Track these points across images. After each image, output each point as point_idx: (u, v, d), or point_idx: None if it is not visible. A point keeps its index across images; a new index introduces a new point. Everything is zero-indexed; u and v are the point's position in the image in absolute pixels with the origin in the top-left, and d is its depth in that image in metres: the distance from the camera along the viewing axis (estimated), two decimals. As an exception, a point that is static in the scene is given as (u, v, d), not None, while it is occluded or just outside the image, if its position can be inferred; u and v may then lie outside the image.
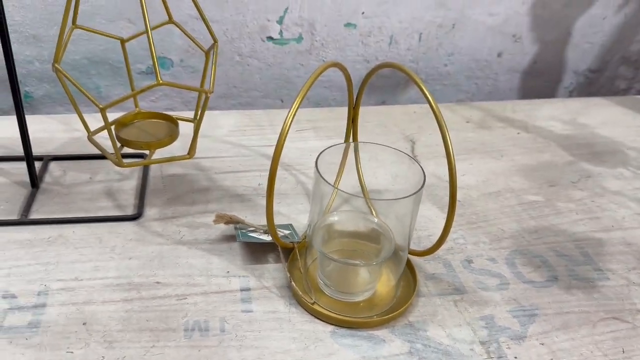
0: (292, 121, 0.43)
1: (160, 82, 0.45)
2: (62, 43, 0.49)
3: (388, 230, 0.47)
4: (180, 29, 0.56)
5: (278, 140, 0.43)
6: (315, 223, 0.47)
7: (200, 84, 0.57)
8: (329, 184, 0.44)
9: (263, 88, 0.88)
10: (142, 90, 0.47)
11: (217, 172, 0.64)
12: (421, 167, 0.46)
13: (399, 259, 0.47)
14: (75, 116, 0.73)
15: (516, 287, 0.51)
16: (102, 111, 0.48)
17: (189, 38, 0.56)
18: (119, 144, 0.54)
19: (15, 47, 0.75)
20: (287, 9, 0.81)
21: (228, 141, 0.71)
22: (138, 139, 0.55)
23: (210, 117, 0.74)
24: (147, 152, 0.60)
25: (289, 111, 0.43)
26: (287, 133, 0.43)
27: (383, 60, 0.89)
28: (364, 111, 0.85)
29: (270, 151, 0.69)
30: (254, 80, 0.87)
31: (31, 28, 0.75)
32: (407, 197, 0.43)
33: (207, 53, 0.56)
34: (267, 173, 0.65)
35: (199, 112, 0.54)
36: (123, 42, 0.58)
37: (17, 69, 0.78)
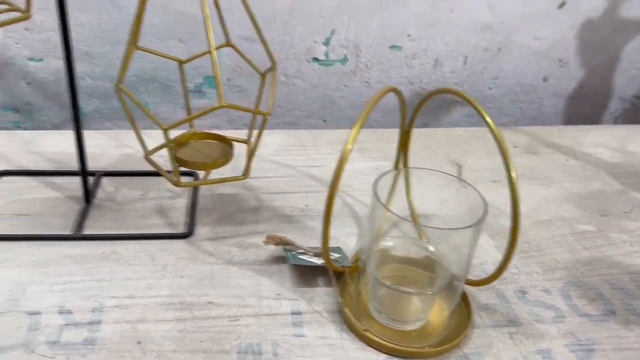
0: (352, 147, 0.43)
1: (224, 104, 0.46)
2: (126, 64, 0.50)
3: (444, 259, 0.46)
4: (237, 51, 0.56)
5: (338, 166, 0.43)
6: (369, 247, 0.47)
7: (255, 105, 0.58)
8: (390, 211, 0.44)
9: (307, 108, 0.88)
10: (206, 112, 0.47)
11: (264, 192, 0.65)
12: (482, 197, 0.45)
13: (454, 289, 0.46)
14: (125, 132, 0.75)
15: (572, 321, 0.50)
16: (165, 132, 0.48)
17: (245, 60, 0.57)
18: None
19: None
20: (333, 30, 0.82)
21: (274, 161, 0.72)
22: (193, 159, 0.55)
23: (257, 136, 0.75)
24: (198, 171, 0.61)
25: (349, 136, 0.43)
26: (347, 159, 0.43)
27: (427, 82, 0.89)
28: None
29: (316, 172, 0.70)
30: (298, 100, 0.87)
31: (85, 45, 0.77)
32: (468, 227, 0.42)
33: (263, 75, 0.57)
34: (314, 194, 0.65)
35: (255, 134, 0.54)
36: (181, 63, 0.59)
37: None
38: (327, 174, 0.69)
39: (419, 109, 0.54)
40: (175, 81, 0.82)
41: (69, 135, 0.73)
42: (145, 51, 0.56)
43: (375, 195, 0.44)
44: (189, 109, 0.61)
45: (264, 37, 0.53)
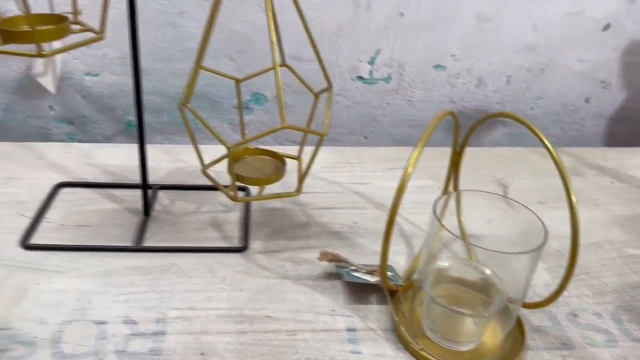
0: (413, 170, 0.44)
1: (286, 125, 0.48)
2: (194, 84, 0.52)
3: (500, 282, 0.47)
4: (292, 72, 0.58)
5: (399, 189, 0.44)
6: (425, 267, 0.48)
7: (307, 124, 0.59)
8: (451, 232, 0.45)
9: (349, 125, 0.90)
10: (269, 133, 0.49)
11: (313, 208, 0.66)
12: (542, 223, 0.46)
13: (510, 312, 0.47)
14: (177, 147, 0.77)
15: (625, 345, 0.50)
16: (230, 150, 0.50)
17: (300, 81, 0.59)
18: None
19: (123, 79, 0.81)
20: (378, 50, 0.83)
21: (321, 177, 0.73)
22: (248, 174, 0.57)
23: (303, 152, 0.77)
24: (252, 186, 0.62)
25: (410, 159, 0.45)
26: (408, 181, 0.44)
27: (469, 101, 0.90)
28: (448, 151, 0.86)
29: (362, 189, 0.71)
30: (342, 117, 0.89)
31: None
32: (530, 252, 0.43)
33: (316, 95, 0.59)
34: (361, 211, 0.67)
35: (305, 150, 0.56)
36: (238, 82, 0.61)
37: (122, 99, 0.83)
38: (373, 191, 0.71)
39: (473, 131, 0.55)
40: (223, 98, 0.84)
41: (123, 148, 0.76)
42: (208, 71, 0.58)
43: (436, 218, 0.45)
44: (243, 126, 0.63)
45: (322, 59, 0.54)
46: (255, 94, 0.85)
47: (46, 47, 0.50)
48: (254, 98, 0.85)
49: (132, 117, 0.85)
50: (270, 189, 0.58)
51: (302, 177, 0.56)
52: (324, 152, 0.80)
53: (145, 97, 0.83)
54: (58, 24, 0.53)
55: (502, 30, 0.84)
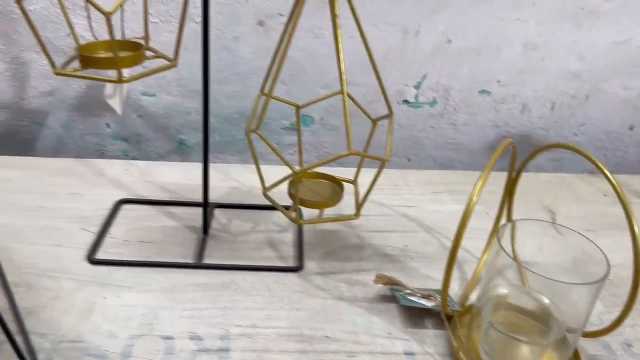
0: (477, 200, 0.46)
1: (352, 152, 0.49)
2: (263, 110, 0.54)
3: (559, 311, 0.48)
4: (352, 100, 0.60)
5: (462, 219, 0.46)
6: (484, 293, 0.49)
7: (364, 149, 0.61)
8: (518, 262, 0.46)
9: (393, 147, 0.91)
10: (337, 158, 0.51)
11: (364, 230, 0.68)
12: (603, 253, 0.47)
13: (567, 342, 0.48)
14: (230, 166, 0.80)
15: (681, 378, 0.50)
16: (296, 176, 0.52)
17: (360, 108, 0.61)
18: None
19: (178, 100, 0.84)
20: (425, 75, 0.85)
21: (370, 199, 0.74)
22: (307, 197, 0.59)
23: (347, 174, 0.78)
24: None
25: (474, 189, 0.46)
26: (472, 211, 0.45)
27: (514, 126, 0.91)
28: (495, 176, 0.87)
29: (411, 212, 0.73)
30: (385, 139, 0.90)
31: (195, 83, 0.83)
32: (591, 284, 0.44)
33: (374, 121, 0.61)
34: (411, 234, 0.68)
35: (359, 173, 0.58)
36: (298, 108, 0.63)
37: (176, 119, 0.86)
38: (422, 215, 0.72)
39: (530, 159, 0.57)
40: (272, 119, 0.87)
41: (177, 167, 0.79)
42: (272, 98, 0.60)
43: (499, 244, 0.46)
44: (301, 150, 0.65)
45: (384, 87, 0.56)
46: (303, 115, 0.87)
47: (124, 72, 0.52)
48: (301, 119, 0.87)
49: (185, 136, 0.88)
50: (326, 210, 0.60)
51: (361, 202, 0.58)
52: (370, 174, 0.81)
53: (198, 117, 0.86)
54: (133, 50, 0.56)
55: (548, 57, 0.85)
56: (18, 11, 0.77)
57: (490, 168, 0.48)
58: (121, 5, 0.46)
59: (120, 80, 0.49)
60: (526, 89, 0.87)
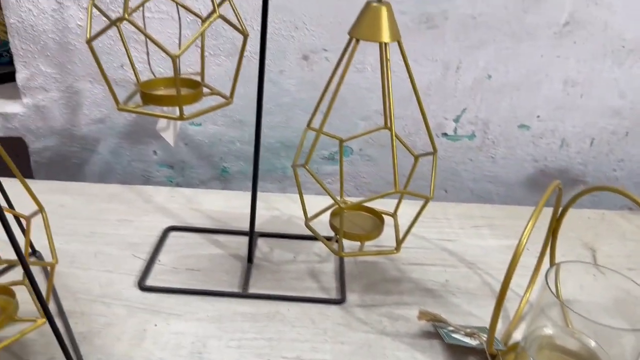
0: (525, 243, 0.46)
1: (398, 190, 0.51)
2: (313, 146, 0.56)
3: (605, 354, 0.48)
4: (397, 138, 0.62)
5: (511, 264, 0.46)
6: (530, 333, 0.49)
7: (405, 185, 0.62)
8: (566, 306, 0.46)
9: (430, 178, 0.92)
10: (383, 195, 0.52)
11: (404, 263, 0.69)
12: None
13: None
14: (271, 195, 0.81)
15: None
16: (341, 210, 0.54)
17: (402, 144, 0.62)
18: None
19: (222, 129, 0.86)
20: (465, 109, 0.86)
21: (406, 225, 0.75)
22: (348, 229, 0.60)
23: (387, 205, 0.79)
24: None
25: (524, 233, 0.47)
26: (520, 255, 0.46)
27: (552, 161, 0.91)
28: (531, 210, 0.86)
29: (451, 246, 0.73)
30: (423, 171, 0.91)
31: (239, 114, 0.85)
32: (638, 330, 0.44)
33: (416, 157, 0.62)
34: (452, 269, 0.69)
35: (398, 205, 0.59)
36: (342, 141, 0.65)
37: (220, 147, 0.89)
38: (462, 249, 0.73)
39: (573, 202, 0.57)
40: (312, 148, 0.89)
41: (221, 195, 0.81)
42: (314, 131, 0.62)
43: (548, 286, 0.47)
44: (342, 183, 0.66)
45: (429, 125, 0.58)
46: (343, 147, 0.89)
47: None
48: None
49: (227, 164, 0.90)
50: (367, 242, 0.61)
51: (402, 238, 0.59)
52: (409, 206, 0.82)
53: (241, 146, 0.89)
54: (189, 86, 0.59)
55: (588, 94, 0.85)
56: (75, 43, 0.81)
57: (539, 211, 0.48)
58: (187, 49, 0.48)
59: (181, 117, 0.52)
60: (565, 124, 0.88)
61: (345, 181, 0.93)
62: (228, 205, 0.78)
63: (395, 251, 0.59)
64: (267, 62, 0.82)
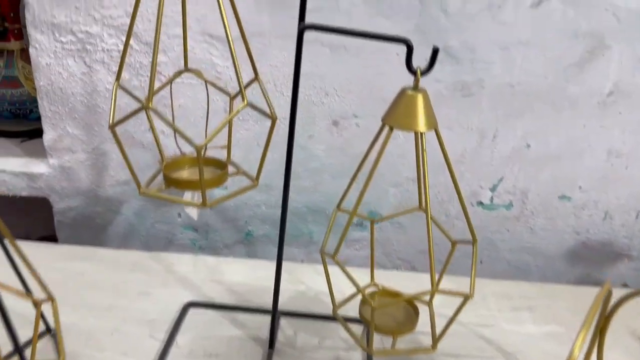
0: (578, 355, 0.42)
1: (436, 290, 0.47)
2: (344, 231, 0.53)
3: None
4: (433, 221, 0.58)
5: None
6: None
7: (441, 274, 0.59)
8: None
9: (465, 249, 0.88)
10: (417, 296, 0.48)
11: (437, 354, 0.64)
12: None
13: None
14: (297, 265, 0.78)
15: None
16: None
17: (439, 228, 0.58)
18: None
19: (249, 193, 0.84)
20: (502, 178, 0.82)
21: (441, 313, 0.71)
22: (380, 321, 0.56)
23: (416, 280, 0.75)
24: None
25: (575, 344, 0.42)
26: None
27: (595, 233, 0.86)
28: (572, 291, 0.81)
29: (488, 333, 0.68)
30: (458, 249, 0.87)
31: (266, 178, 0.83)
32: None
33: (454, 243, 0.58)
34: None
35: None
36: (373, 222, 0.61)
37: (245, 211, 0.86)
38: (501, 337, 0.67)
39: (623, 302, 0.52)
40: (339, 215, 0.85)
41: (247, 264, 0.78)
42: (344, 212, 0.59)
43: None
44: (373, 265, 0.63)
45: (467, 213, 0.54)
46: (373, 212, 0.86)
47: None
48: (370, 215, 0.86)
49: (252, 227, 0.88)
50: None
51: (439, 336, 0.55)
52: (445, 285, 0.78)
53: (267, 210, 0.86)
54: (215, 165, 0.57)
55: (633, 165, 0.81)
56: (103, 105, 0.80)
57: (590, 320, 0.44)
58: (211, 139, 0.46)
59: (204, 204, 0.49)
60: (609, 196, 0.83)
61: (375, 248, 0.89)
62: (252, 276, 0.75)
63: (431, 350, 0.55)
64: (297, 128, 0.80)
